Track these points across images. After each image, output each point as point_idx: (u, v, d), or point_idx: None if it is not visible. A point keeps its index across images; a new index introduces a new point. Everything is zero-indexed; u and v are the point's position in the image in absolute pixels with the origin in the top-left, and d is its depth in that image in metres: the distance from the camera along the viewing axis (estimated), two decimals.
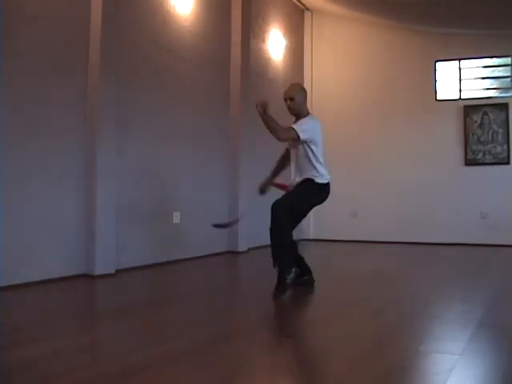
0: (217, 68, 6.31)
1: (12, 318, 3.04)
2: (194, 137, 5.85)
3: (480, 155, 7.45)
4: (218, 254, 6.13)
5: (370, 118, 8.05)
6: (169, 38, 5.48)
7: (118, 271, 4.59)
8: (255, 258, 6.06)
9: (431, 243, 7.42)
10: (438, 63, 7.76)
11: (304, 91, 3.91)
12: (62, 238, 4.25)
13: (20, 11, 3.94)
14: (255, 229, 6.51)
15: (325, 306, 3.48)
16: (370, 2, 7.26)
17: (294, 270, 3.78)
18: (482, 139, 7.45)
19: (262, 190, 4.09)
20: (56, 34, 4.22)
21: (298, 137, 3.65)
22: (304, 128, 3.69)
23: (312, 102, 7.85)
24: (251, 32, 6.83)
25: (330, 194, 3.89)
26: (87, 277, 4.34)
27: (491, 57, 7.55)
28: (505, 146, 7.33)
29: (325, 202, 3.92)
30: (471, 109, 7.51)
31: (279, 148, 4.16)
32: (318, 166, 3.77)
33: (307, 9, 8.56)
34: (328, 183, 3.85)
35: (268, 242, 3.73)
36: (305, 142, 3.71)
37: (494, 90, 7.58)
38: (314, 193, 3.80)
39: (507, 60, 7.49)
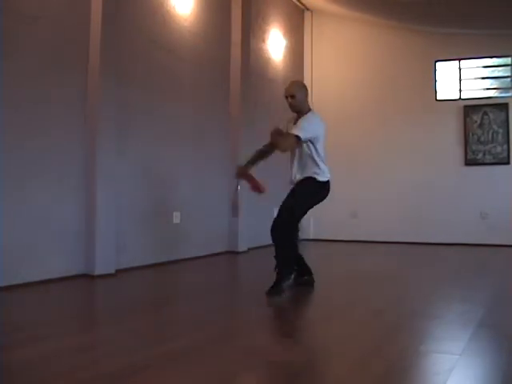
0: (217, 68, 6.31)
1: (12, 317, 3.04)
2: (194, 137, 5.85)
3: (480, 155, 7.45)
4: (217, 254, 6.13)
5: (370, 117, 8.05)
6: (169, 38, 5.48)
7: (118, 271, 4.59)
8: (255, 258, 6.06)
9: (431, 243, 7.42)
10: (438, 63, 7.76)
11: (305, 88, 3.88)
12: (62, 238, 4.25)
13: (20, 11, 3.94)
14: (255, 229, 6.52)
15: (325, 306, 3.48)
16: (370, 2, 7.25)
17: (292, 276, 3.80)
18: (482, 139, 7.44)
19: (240, 175, 3.92)
20: (56, 34, 4.22)
21: (299, 138, 3.60)
22: (305, 126, 3.65)
23: (312, 102, 7.78)
24: (251, 32, 6.83)
25: (330, 193, 3.88)
26: (87, 277, 4.35)
27: (491, 57, 7.55)
28: (505, 146, 7.33)
29: (325, 202, 3.91)
30: (471, 109, 7.51)
31: None
32: (320, 163, 3.76)
33: (307, 9, 8.56)
34: (328, 181, 3.84)
35: (268, 241, 3.73)
36: (308, 140, 3.67)
37: (494, 90, 7.58)
38: (315, 191, 3.79)
39: (507, 60, 7.49)
